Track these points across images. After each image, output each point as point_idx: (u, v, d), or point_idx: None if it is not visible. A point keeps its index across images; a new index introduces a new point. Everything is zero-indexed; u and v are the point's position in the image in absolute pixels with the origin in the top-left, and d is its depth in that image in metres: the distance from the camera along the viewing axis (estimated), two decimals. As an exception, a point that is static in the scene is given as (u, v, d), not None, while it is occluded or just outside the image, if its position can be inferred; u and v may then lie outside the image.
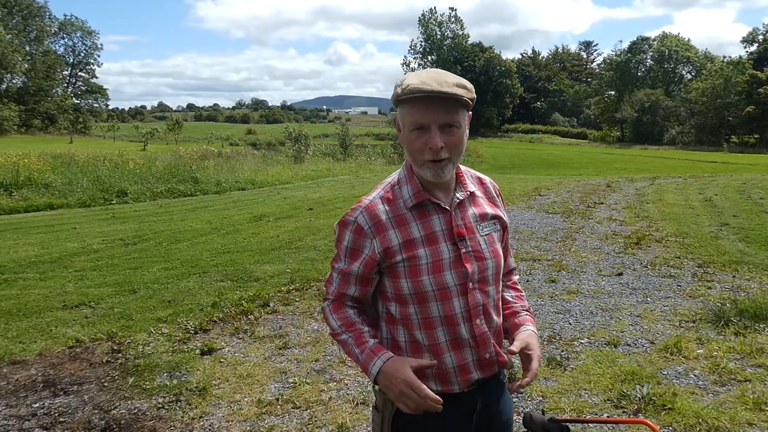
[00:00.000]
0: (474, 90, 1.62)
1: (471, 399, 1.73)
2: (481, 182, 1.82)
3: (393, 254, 1.63)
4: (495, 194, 1.83)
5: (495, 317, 1.74)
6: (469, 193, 1.72)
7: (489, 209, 1.76)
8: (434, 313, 1.65)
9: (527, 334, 1.76)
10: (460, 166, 1.74)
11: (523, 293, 1.95)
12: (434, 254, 1.63)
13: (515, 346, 1.70)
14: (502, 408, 1.83)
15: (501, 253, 1.76)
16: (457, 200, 1.69)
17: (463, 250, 1.65)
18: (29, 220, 11.73)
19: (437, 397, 1.55)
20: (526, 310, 1.87)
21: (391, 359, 1.62)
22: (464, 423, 1.74)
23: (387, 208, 1.66)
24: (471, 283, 1.66)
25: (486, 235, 1.71)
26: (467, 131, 1.64)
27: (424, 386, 1.55)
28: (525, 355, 1.72)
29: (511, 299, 1.89)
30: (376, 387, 1.70)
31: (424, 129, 1.56)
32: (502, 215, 1.80)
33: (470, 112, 1.64)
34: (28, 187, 15.03)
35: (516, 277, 1.97)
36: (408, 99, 1.55)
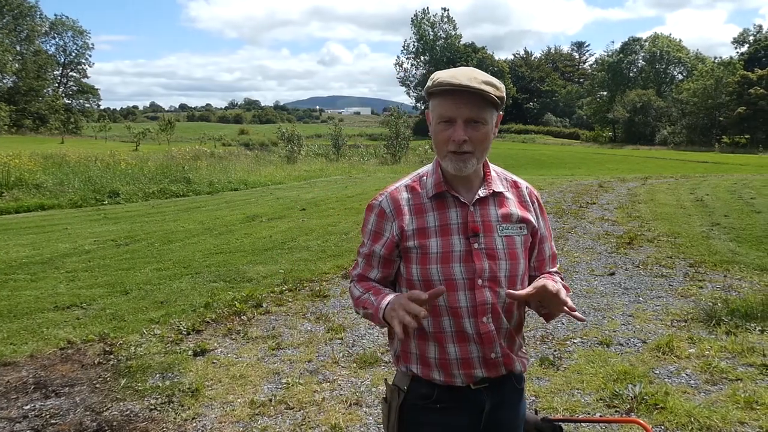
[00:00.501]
0: (504, 89, 1.65)
1: (478, 398, 1.72)
2: (515, 185, 1.81)
3: (407, 238, 1.69)
4: (529, 200, 1.81)
5: (506, 320, 1.71)
6: (492, 191, 1.72)
7: (516, 211, 1.74)
8: (440, 302, 1.66)
9: (540, 282, 1.61)
10: (495, 167, 1.78)
11: (557, 278, 1.80)
12: (445, 245, 1.67)
13: (523, 291, 1.59)
14: (515, 414, 1.81)
15: (521, 257, 1.73)
16: (478, 197, 1.70)
17: (475, 246, 1.66)
18: (20, 221, 11.66)
19: (422, 294, 1.53)
20: (543, 275, 1.78)
21: (400, 294, 1.65)
22: (472, 421, 1.73)
23: (409, 195, 1.73)
24: (480, 280, 1.66)
25: (505, 236, 1.70)
26: (495, 130, 1.67)
27: (417, 292, 1.56)
28: (543, 294, 1.58)
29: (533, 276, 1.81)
30: (387, 379, 1.75)
31: (449, 122, 1.61)
32: (532, 220, 1.77)
33: (501, 113, 1.68)
34: (18, 188, 14.92)
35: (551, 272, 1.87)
36: (437, 92, 1.60)
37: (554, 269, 1.89)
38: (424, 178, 1.75)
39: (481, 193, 1.71)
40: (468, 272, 1.65)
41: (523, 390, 1.85)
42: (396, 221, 1.71)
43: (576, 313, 1.62)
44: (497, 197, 1.74)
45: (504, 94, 1.63)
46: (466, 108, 1.58)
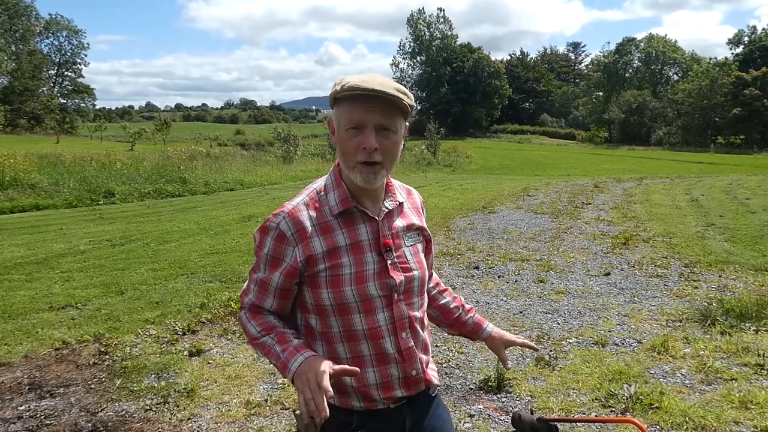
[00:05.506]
0: (413, 99, 1.59)
1: (399, 416, 1.67)
2: (409, 193, 1.80)
3: (315, 262, 1.55)
4: (420, 207, 1.81)
5: (421, 332, 1.69)
6: (398, 203, 1.69)
7: (415, 220, 1.73)
8: (357, 326, 1.58)
9: (497, 335, 1.93)
10: (391, 178, 1.70)
11: (451, 290, 1.99)
12: (358, 264, 1.57)
13: (507, 361, 1.91)
14: (436, 424, 1.76)
15: (425, 265, 1.73)
16: (386, 210, 1.64)
17: (389, 261, 1.60)
18: (15, 221, 11.62)
19: (330, 391, 1.39)
20: (469, 311, 1.95)
21: (314, 356, 1.49)
22: None
23: (312, 214, 1.58)
24: (396, 295, 1.60)
25: (411, 245, 1.68)
26: (402, 141, 1.60)
27: (327, 382, 1.40)
28: (512, 346, 1.92)
29: (452, 307, 1.93)
30: (297, 411, 1.62)
31: (359, 129, 1.51)
32: (426, 227, 1.78)
33: (407, 123, 1.61)
34: (13, 188, 14.85)
35: (438, 279, 1.98)
36: (346, 97, 1.51)
37: (436, 277, 1.97)
38: (322, 193, 1.62)
39: (389, 205, 1.65)
40: (384, 289, 1.58)
41: (438, 395, 1.80)
42: (299, 246, 1.55)
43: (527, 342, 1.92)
44: (399, 208, 1.70)
45: (413, 103, 1.57)
46: (377, 113, 1.49)
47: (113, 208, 13.75)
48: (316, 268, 1.56)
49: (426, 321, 1.75)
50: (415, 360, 1.65)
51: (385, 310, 1.59)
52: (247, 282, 1.68)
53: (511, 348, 4.66)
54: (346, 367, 1.47)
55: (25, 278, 6.97)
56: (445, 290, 1.96)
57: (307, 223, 1.56)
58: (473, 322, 1.93)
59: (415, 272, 1.66)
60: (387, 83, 1.51)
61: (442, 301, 1.93)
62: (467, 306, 1.97)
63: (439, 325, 1.95)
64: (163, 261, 7.79)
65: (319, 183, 1.67)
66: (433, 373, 1.74)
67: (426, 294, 1.78)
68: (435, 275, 1.95)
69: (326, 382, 1.39)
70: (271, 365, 4.30)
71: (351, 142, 1.52)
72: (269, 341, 1.58)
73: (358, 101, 1.50)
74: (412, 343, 1.65)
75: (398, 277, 1.61)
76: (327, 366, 1.44)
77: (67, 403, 3.89)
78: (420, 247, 1.73)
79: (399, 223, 1.67)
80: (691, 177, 21.35)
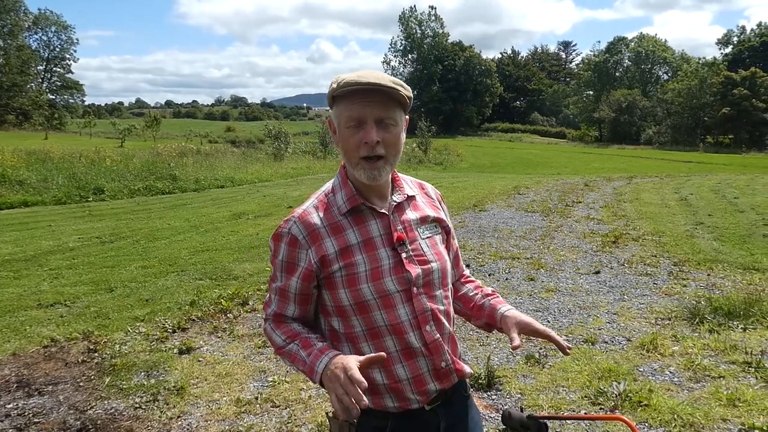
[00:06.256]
0: (411, 91, 1.58)
1: (434, 419, 1.64)
2: (422, 187, 1.78)
3: (329, 263, 1.55)
4: (437, 199, 1.79)
5: (447, 324, 1.66)
6: (407, 196, 1.67)
7: (430, 212, 1.71)
8: (379, 323, 1.56)
9: (512, 315, 1.71)
10: (400, 174, 1.70)
11: (479, 282, 1.91)
12: (372, 261, 1.56)
13: (515, 339, 1.61)
14: (469, 425, 1.74)
15: (446, 256, 1.70)
16: (394, 203, 1.63)
17: (404, 255, 1.58)
18: (3, 218, 11.52)
19: (364, 382, 1.34)
20: (488, 295, 1.82)
21: (338, 355, 1.48)
22: None
23: (322, 215, 1.58)
24: (415, 288, 1.58)
25: (427, 238, 1.66)
26: (404, 134, 1.59)
27: (358, 374, 1.35)
28: (530, 332, 1.68)
29: (471, 294, 1.84)
30: (330, 413, 1.60)
31: (359, 125, 1.51)
32: (444, 219, 1.75)
33: (407, 116, 1.60)
34: (1, 184, 14.73)
35: (468, 274, 1.93)
36: (344, 94, 1.50)
37: (467, 273, 1.91)
38: (331, 194, 1.63)
39: (397, 198, 1.64)
40: (401, 283, 1.56)
41: (470, 396, 1.79)
42: (312, 248, 1.55)
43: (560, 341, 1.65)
44: (411, 201, 1.69)
45: (411, 95, 1.57)
46: (375, 107, 1.49)
47: (102, 205, 13.67)
48: (331, 269, 1.55)
49: (453, 315, 1.73)
50: (443, 352, 1.62)
51: (406, 304, 1.57)
52: (268, 294, 1.69)
53: (502, 346, 4.68)
54: (371, 355, 1.43)
55: (14, 275, 6.92)
56: (470, 281, 1.90)
57: (318, 225, 1.57)
58: (489, 305, 1.79)
59: (433, 264, 1.63)
60: (383, 77, 1.51)
61: (462, 291, 1.87)
62: (488, 290, 1.86)
63: (467, 317, 1.87)
64: (153, 258, 7.76)
65: (327, 186, 1.67)
66: (464, 364, 1.72)
67: (450, 287, 1.74)
68: (466, 270, 1.91)
69: (357, 374, 1.35)
70: (266, 364, 4.32)
71: (353, 139, 1.52)
72: (294, 348, 1.58)
73: (356, 97, 1.49)
74: (438, 336, 1.62)
75: (415, 270, 1.58)
76: (353, 360, 1.41)
77: (56, 401, 3.86)
78: (438, 239, 1.70)
79: (411, 215, 1.65)
80: (680, 176, 21.50)
